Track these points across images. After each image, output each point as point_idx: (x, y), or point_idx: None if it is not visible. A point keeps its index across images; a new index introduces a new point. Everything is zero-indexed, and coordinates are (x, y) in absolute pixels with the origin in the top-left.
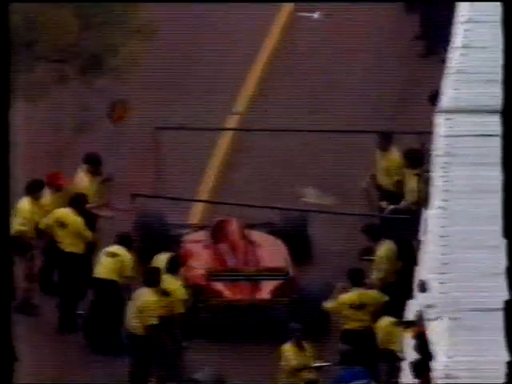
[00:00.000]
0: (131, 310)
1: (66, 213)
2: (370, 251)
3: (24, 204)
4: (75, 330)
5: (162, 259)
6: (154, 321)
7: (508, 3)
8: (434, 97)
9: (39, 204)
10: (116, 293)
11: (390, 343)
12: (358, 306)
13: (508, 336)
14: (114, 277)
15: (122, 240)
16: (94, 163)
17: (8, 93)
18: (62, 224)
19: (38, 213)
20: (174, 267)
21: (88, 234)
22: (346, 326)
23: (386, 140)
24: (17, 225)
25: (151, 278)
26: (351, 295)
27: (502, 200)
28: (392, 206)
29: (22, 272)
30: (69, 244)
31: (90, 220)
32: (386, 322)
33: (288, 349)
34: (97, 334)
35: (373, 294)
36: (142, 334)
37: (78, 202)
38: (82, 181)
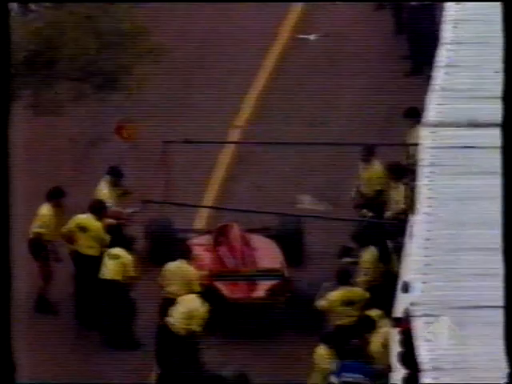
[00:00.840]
0: (178, 312)
1: (87, 218)
2: (348, 251)
3: (44, 209)
4: (93, 326)
5: (173, 266)
6: (198, 328)
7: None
8: (409, 112)
9: (58, 210)
10: (120, 292)
11: None
12: (348, 303)
13: (507, 334)
14: (117, 277)
15: (123, 242)
16: (115, 175)
17: (8, 102)
18: (83, 229)
19: (56, 218)
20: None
21: (107, 237)
22: (338, 322)
23: (368, 152)
24: (35, 228)
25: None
26: (340, 293)
27: (502, 206)
28: (370, 214)
29: (38, 272)
30: (87, 247)
31: (115, 225)
32: None
33: (323, 351)
34: (110, 331)
35: (358, 291)
36: (182, 335)
37: (97, 208)
38: (102, 190)
